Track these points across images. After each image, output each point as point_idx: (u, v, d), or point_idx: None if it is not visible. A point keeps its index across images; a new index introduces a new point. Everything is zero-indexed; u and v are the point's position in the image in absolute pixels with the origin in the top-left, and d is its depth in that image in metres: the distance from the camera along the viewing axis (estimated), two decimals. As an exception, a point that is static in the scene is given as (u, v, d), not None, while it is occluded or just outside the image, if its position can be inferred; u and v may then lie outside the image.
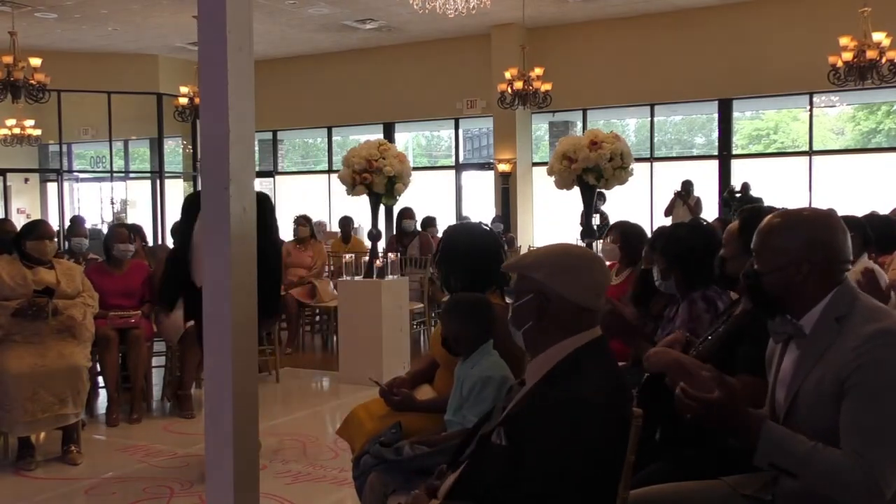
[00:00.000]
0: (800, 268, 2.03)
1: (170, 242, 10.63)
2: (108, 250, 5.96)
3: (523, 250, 11.01)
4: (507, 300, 2.20)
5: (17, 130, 14.73)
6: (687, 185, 11.43)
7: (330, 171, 15.81)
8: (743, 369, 2.41)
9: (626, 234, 4.92)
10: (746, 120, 15.33)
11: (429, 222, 10.00)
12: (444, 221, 10.54)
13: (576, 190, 6.59)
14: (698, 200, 11.42)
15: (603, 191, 8.07)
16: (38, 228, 5.04)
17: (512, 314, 2.13)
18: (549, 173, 6.66)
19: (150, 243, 11.84)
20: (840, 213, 2.92)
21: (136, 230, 7.88)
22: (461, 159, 15.57)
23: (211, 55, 1.67)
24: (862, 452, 1.86)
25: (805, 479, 1.92)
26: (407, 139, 17.72)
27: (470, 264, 3.20)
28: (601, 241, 5.32)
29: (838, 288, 2.04)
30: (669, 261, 3.21)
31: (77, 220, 9.09)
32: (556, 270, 2.05)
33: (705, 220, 4.47)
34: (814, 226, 2.08)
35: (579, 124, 14.04)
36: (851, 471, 1.86)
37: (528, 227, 13.97)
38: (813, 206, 11.27)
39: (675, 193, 11.44)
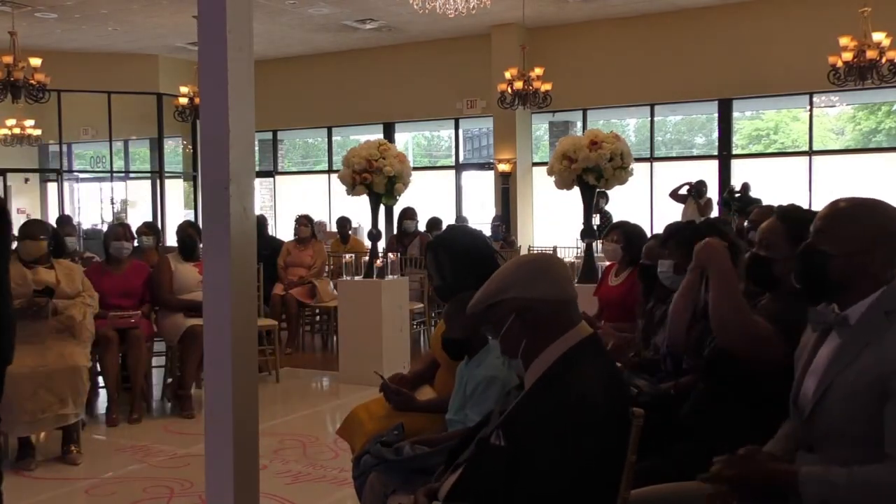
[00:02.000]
0: (873, 255, 1.99)
1: (170, 243, 10.61)
2: (106, 249, 5.98)
3: (524, 250, 11.01)
4: (490, 337, 2.17)
5: (17, 130, 14.73)
6: (700, 186, 11.43)
7: (330, 171, 15.81)
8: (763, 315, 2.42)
9: (629, 234, 4.93)
10: (746, 120, 15.33)
11: (434, 224, 9.94)
12: (445, 222, 10.52)
13: (576, 190, 6.58)
14: (709, 201, 11.42)
15: (605, 190, 8.07)
16: (22, 229, 5.05)
17: (501, 345, 2.12)
18: (549, 173, 6.66)
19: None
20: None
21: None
22: (461, 159, 15.57)
23: (211, 55, 1.67)
24: None
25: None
26: (407, 139, 17.72)
27: (470, 263, 3.19)
28: (601, 241, 5.30)
29: (890, 283, 2.00)
30: (689, 256, 3.18)
31: (63, 220, 9.05)
32: (525, 281, 2.07)
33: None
34: (887, 214, 2.03)
35: (579, 124, 14.04)
36: None
37: (528, 227, 13.96)
38: (813, 207, 11.28)
39: (688, 187, 11.40)
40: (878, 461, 1.86)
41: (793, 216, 2.58)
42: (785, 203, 4.22)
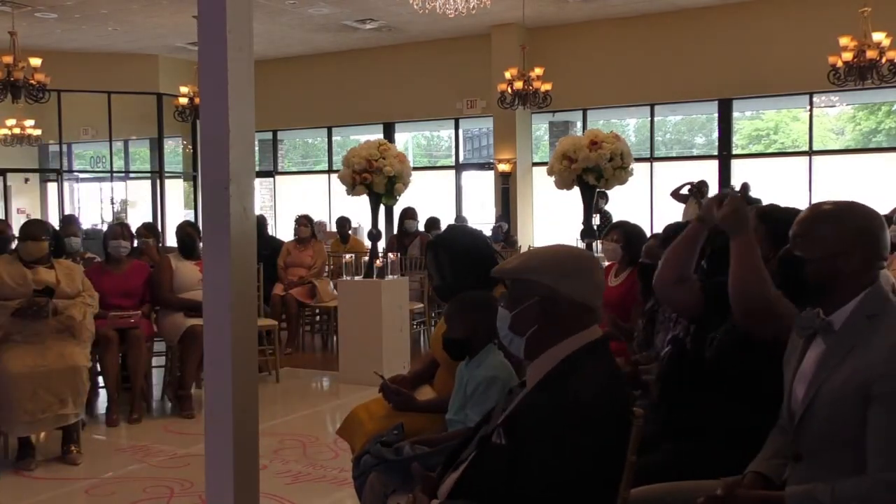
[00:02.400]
0: (850, 258, 1.98)
1: (170, 242, 10.61)
2: (105, 248, 5.99)
3: (524, 250, 11.00)
4: (503, 308, 2.12)
5: (17, 130, 14.73)
6: (702, 186, 11.46)
7: (330, 171, 15.81)
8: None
9: (630, 234, 4.94)
10: (746, 120, 15.33)
11: (432, 224, 9.95)
12: (445, 222, 10.53)
13: (576, 190, 6.59)
14: None
15: (605, 190, 8.09)
16: (23, 229, 5.06)
17: (513, 321, 2.07)
18: (549, 173, 6.67)
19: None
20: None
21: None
22: (461, 159, 15.57)
23: (211, 55, 1.67)
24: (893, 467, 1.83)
25: None
26: (407, 139, 17.72)
27: (470, 263, 3.19)
28: (601, 241, 5.30)
29: (872, 286, 2.00)
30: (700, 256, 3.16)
31: (68, 220, 9.07)
32: (564, 273, 2.04)
33: None
34: (864, 216, 2.03)
35: (579, 124, 14.04)
36: (884, 490, 1.83)
37: (528, 227, 13.96)
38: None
39: (689, 188, 11.42)
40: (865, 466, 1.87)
41: (773, 216, 2.59)
42: (785, 203, 4.21)
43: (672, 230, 3.59)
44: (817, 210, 2.07)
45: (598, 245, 6.81)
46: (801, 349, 2.11)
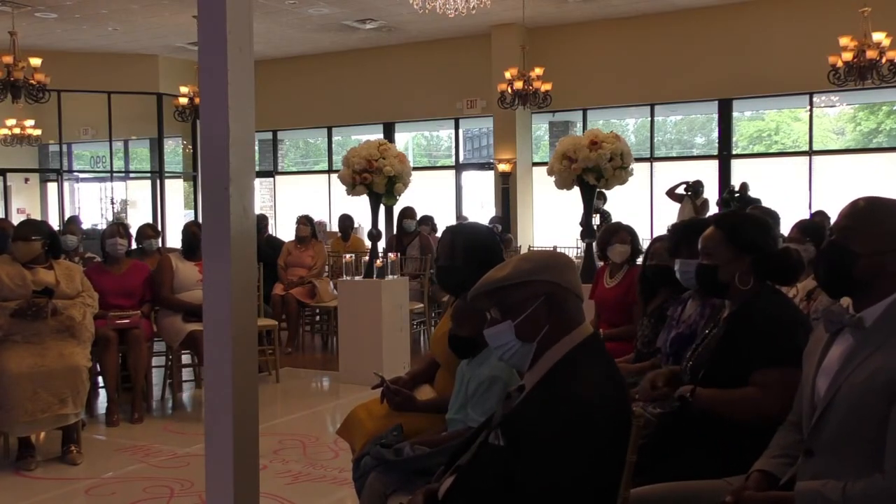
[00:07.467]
0: None
1: (170, 242, 10.62)
2: (103, 248, 5.99)
3: (524, 250, 11.00)
4: (498, 325, 2.10)
5: (17, 130, 14.73)
6: (697, 186, 11.44)
7: (330, 171, 15.80)
8: (761, 364, 2.39)
9: (634, 235, 4.99)
10: (747, 120, 15.33)
11: (424, 220, 9.97)
12: (445, 221, 10.53)
13: (576, 190, 6.58)
14: (705, 202, 11.40)
15: (603, 190, 8.07)
16: (15, 230, 5.05)
17: (519, 328, 2.04)
18: (549, 173, 6.65)
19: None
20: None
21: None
22: (461, 159, 15.57)
23: (211, 55, 1.67)
24: None
25: None
26: (407, 139, 17.72)
27: (483, 252, 3.17)
28: (615, 242, 5.24)
29: None
30: None
31: (70, 220, 9.09)
32: (558, 268, 2.07)
33: None
34: None
35: (579, 124, 14.04)
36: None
37: (528, 227, 13.97)
38: (813, 207, 11.26)
39: (685, 187, 11.39)
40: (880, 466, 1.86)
41: (730, 222, 2.64)
42: (785, 203, 4.22)
43: (678, 232, 3.52)
44: (868, 205, 2.05)
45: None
46: (826, 344, 2.08)
